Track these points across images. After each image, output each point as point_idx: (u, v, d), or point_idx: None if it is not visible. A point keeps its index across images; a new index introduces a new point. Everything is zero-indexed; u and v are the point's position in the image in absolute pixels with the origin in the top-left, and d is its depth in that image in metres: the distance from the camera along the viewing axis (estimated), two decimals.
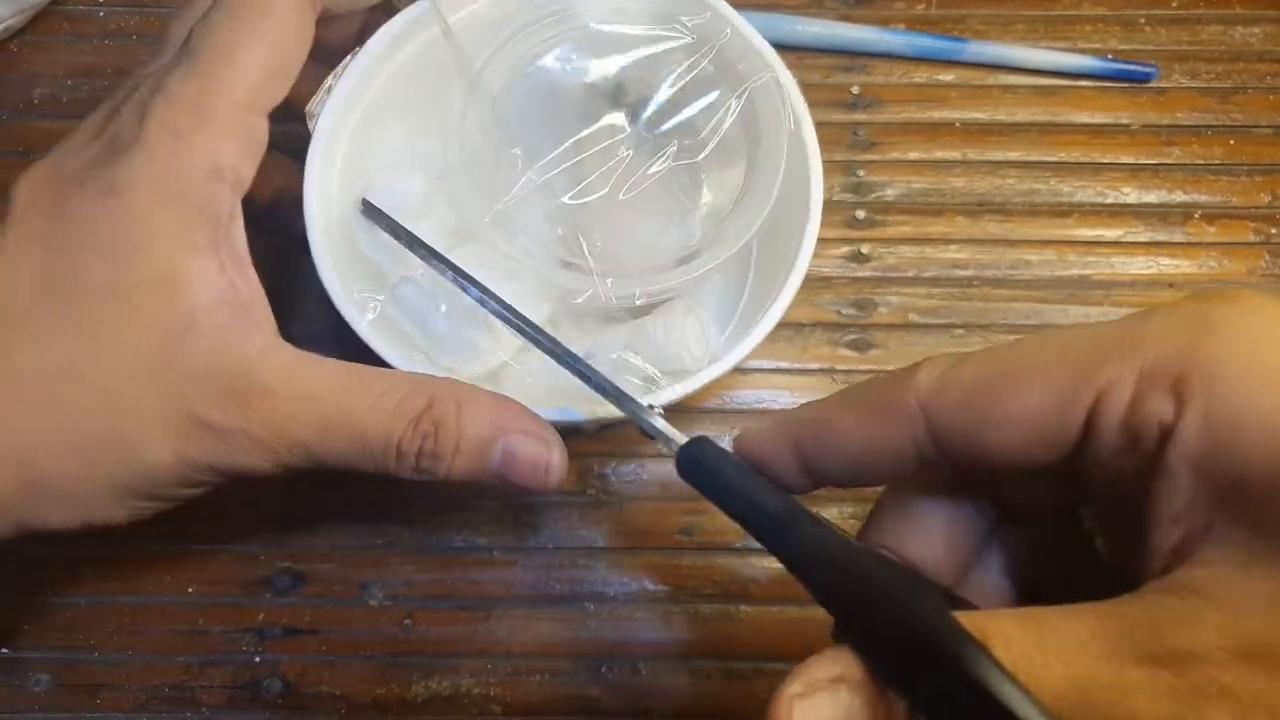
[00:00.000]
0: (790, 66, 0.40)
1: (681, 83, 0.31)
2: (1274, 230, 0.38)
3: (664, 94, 0.31)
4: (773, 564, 0.33)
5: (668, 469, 0.35)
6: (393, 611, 0.33)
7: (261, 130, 0.26)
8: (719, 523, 0.34)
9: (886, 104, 0.40)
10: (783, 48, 0.40)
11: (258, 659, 0.32)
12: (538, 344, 0.27)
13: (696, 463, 0.23)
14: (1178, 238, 0.38)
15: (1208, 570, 0.17)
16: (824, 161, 0.39)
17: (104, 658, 0.32)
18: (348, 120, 0.31)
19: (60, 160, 0.25)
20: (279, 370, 0.24)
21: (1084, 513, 0.23)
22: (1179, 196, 0.39)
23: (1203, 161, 0.39)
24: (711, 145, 0.31)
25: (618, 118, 0.31)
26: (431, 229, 0.30)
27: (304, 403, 0.24)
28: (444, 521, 0.34)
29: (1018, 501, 0.23)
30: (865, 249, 0.38)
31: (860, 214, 0.38)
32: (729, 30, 0.32)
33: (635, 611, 0.33)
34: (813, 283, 0.37)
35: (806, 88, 0.40)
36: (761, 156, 0.31)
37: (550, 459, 0.26)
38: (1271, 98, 0.40)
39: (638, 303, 0.29)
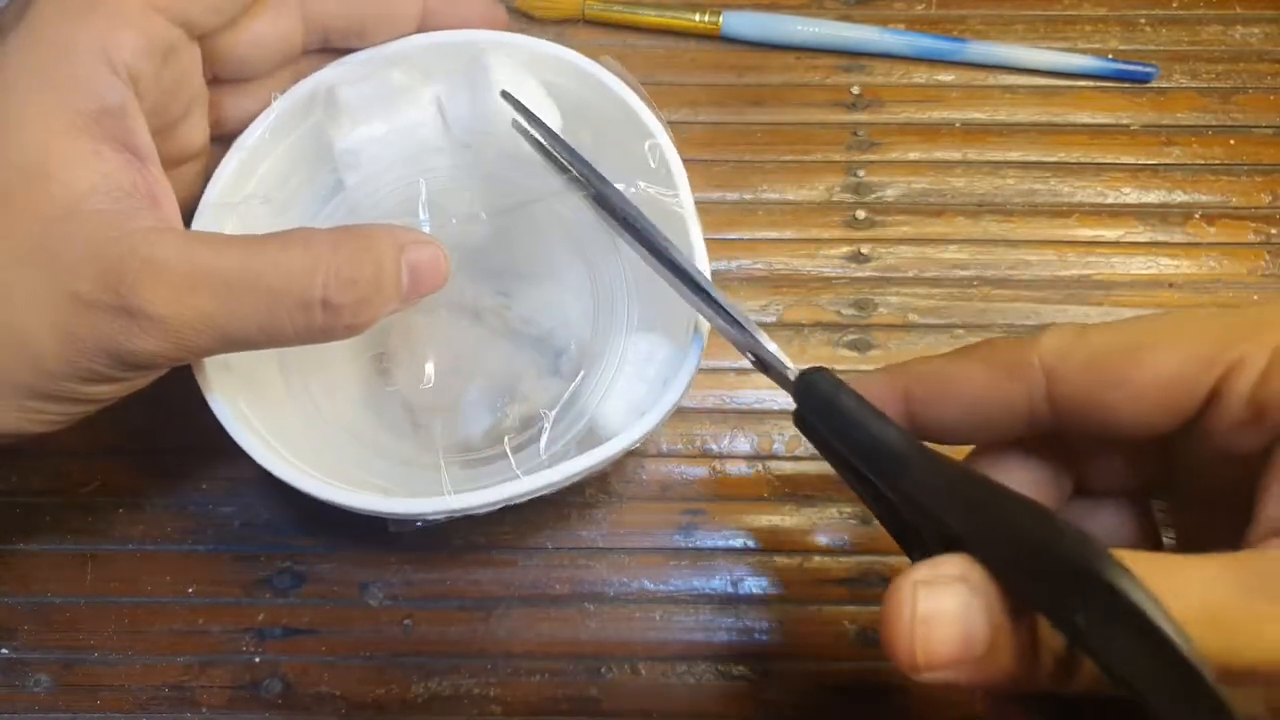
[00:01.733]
0: (790, 67, 0.41)
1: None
2: (1274, 230, 0.38)
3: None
4: (774, 565, 0.33)
5: (668, 469, 0.35)
6: (393, 611, 0.33)
7: (170, 38, 0.24)
8: (718, 522, 0.34)
9: (886, 104, 0.40)
10: (783, 48, 0.41)
11: (258, 659, 0.32)
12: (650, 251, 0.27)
13: (814, 391, 0.23)
14: (1178, 238, 0.38)
15: None
16: (824, 162, 0.39)
17: (104, 658, 0.32)
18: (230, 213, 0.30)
19: None
20: (171, 246, 0.22)
21: (1156, 505, 0.24)
22: (1179, 196, 0.39)
23: (1203, 161, 0.39)
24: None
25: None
26: None
27: (203, 272, 0.22)
28: (444, 522, 0.34)
29: (1096, 479, 0.24)
30: (865, 249, 0.38)
31: (860, 214, 0.38)
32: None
33: (635, 611, 0.33)
34: (813, 283, 0.37)
35: (806, 88, 0.40)
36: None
37: (439, 251, 0.26)
38: (1271, 98, 0.40)
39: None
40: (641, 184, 0.28)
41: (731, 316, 0.25)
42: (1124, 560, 0.17)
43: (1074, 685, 0.18)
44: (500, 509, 0.27)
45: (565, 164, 0.28)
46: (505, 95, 0.29)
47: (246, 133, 0.30)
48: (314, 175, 0.32)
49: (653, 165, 0.29)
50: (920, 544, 0.22)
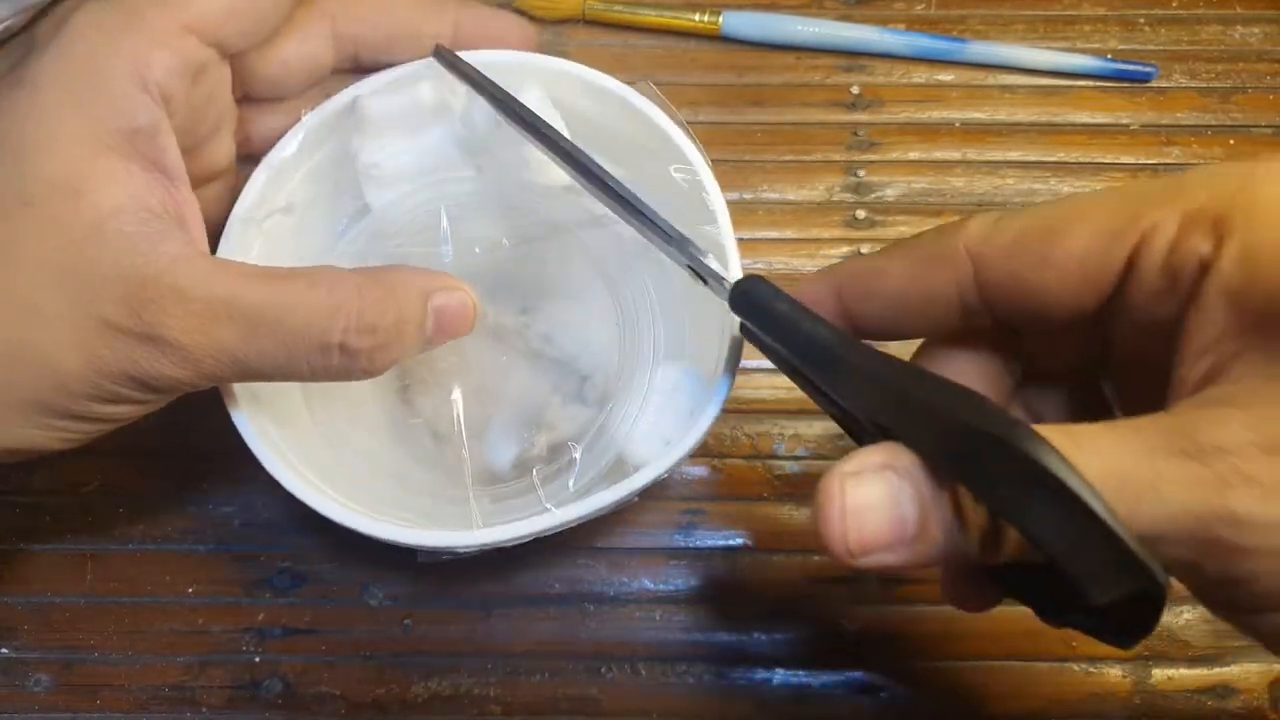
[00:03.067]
0: (790, 67, 0.41)
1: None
2: None
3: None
4: (773, 564, 0.33)
5: None
6: (393, 611, 0.33)
7: (202, 58, 0.24)
8: (718, 522, 0.34)
9: (886, 104, 0.40)
10: (783, 48, 0.41)
11: (258, 659, 0.32)
12: (589, 178, 0.27)
13: (748, 297, 0.24)
14: None
15: (1236, 385, 0.18)
16: (824, 162, 0.39)
17: (104, 658, 0.32)
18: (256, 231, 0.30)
19: None
20: (196, 274, 0.23)
21: (1104, 385, 0.24)
22: None
23: (1203, 161, 0.39)
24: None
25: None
26: None
27: (225, 304, 0.23)
28: None
29: (1043, 363, 0.24)
30: (865, 249, 0.38)
31: (860, 214, 0.38)
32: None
33: (635, 611, 0.33)
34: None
35: (806, 88, 0.40)
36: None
37: (467, 298, 0.26)
38: (1271, 98, 0.40)
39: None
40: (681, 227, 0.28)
41: (664, 230, 0.26)
42: (1041, 432, 0.17)
43: (1001, 556, 0.19)
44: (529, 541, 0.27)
45: (496, 98, 0.28)
46: (438, 53, 0.29)
47: (275, 150, 0.30)
48: (339, 194, 0.32)
49: (687, 188, 0.29)
50: (867, 437, 0.22)
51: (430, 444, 0.31)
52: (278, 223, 0.30)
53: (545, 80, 0.30)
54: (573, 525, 0.27)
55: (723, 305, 0.25)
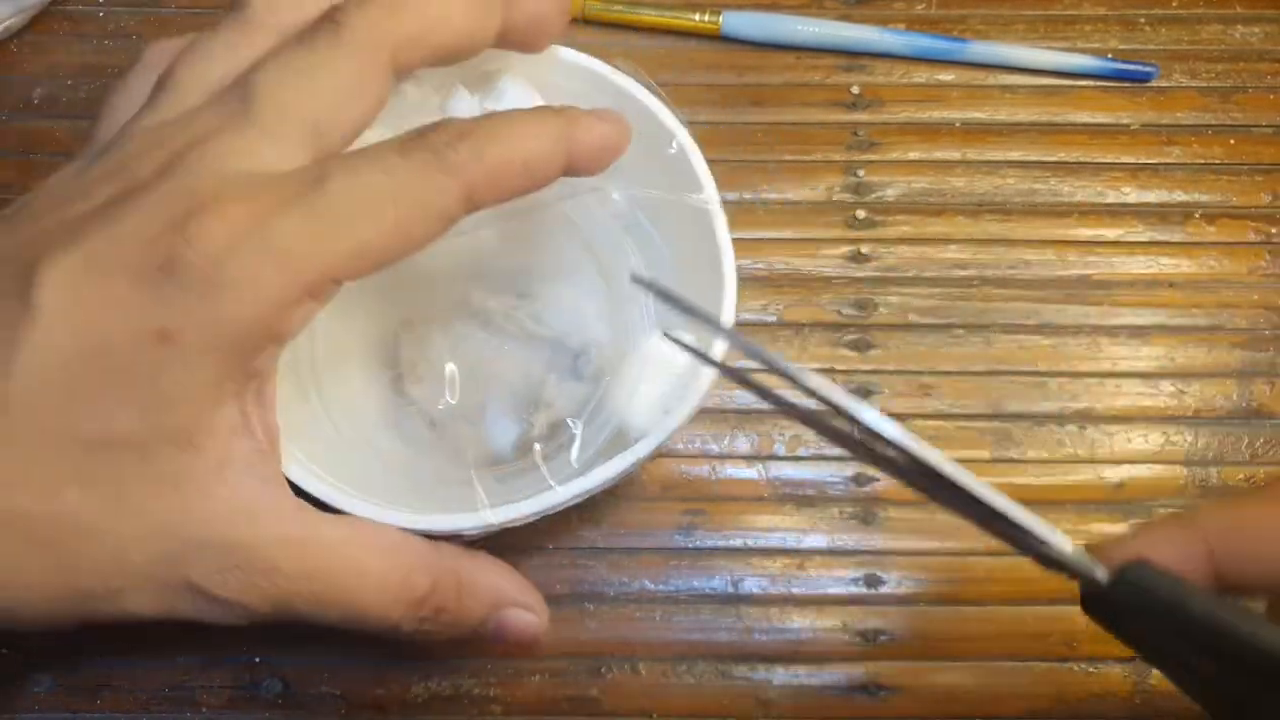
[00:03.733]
0: (790, 67, 0.41)
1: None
2: (1274, 230, 0.38)
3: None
4: (773, 564, 0.33)
5: (668, 469, 0.35)
6: None
7: (334, 294, 0.23)
8: (718, 522, 0.34)
9: (886, 104, 0.40)
10: (783, 48, 0.41)
11: (258, 659, 0.32)
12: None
13: (1137, 595, 0.19)
14: (1178, 237, 0.38)
15: None
16: (824, 161, 0.39)
17: (104, 658, 0.32)
18: None
19: (99, 252, 0.21)
20: (288, 548, 0.23)
21: None
22: (1179, 196, 0.39)
23: (1203, 161, 0.39)
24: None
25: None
26: None
27: (305, 580, 0.23)
28: None
29: None
30: (865, 249, 0.38)
31: (860, 214, 0.38)
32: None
33: (635, 611, 0.33)
34: (813, 283, 0.37)
35: (806, 88, 0.40)
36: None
37: (538, 631, 0.27)
38: (1272, 97, 0.40)
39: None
40: (655, 192, 0.28)
41: (1000, 513, 0.21)
42: None
43: None
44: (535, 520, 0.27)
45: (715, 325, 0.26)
46: (635, 278, 0.27)
47: None
48: None
49: (673, 158, 0.29)
50: None
51: (427, 431, 0.31)
52: None
53: (521, 62, 0.30)
54: (579, 500, 0.27)
55: (711, 269, 0.25)
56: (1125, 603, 0.20)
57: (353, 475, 0.28)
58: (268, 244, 0.21)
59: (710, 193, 0.29)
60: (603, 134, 0.25)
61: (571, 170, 0.25)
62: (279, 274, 0.21)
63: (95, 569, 0.22)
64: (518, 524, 0.27)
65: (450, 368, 0.30)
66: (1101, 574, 0.20)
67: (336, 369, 0.31)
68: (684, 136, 0.29)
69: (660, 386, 0.28)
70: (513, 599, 0.26)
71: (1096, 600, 0.20)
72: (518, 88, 0.30)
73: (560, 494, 0.26)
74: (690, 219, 0.28)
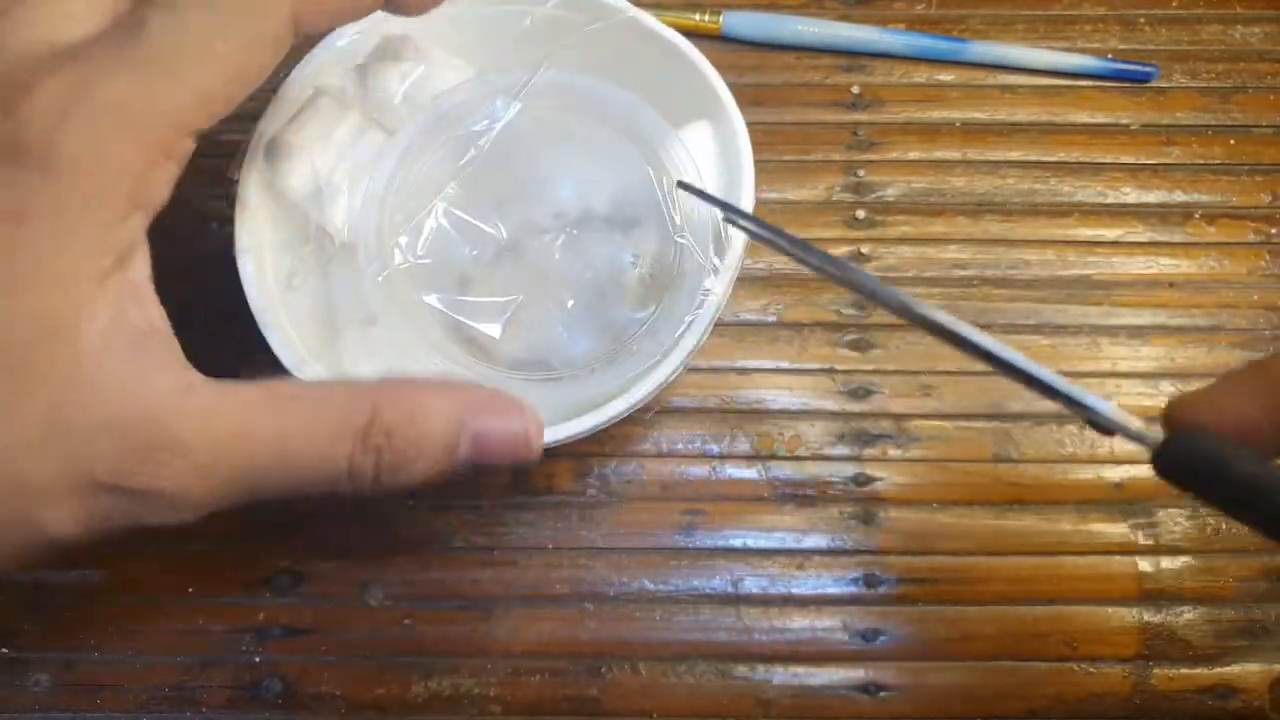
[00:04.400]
0: (790, 67, 0.41)
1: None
2: (1274, 230, 0.38)
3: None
4: (773, 564, 0.33)
5: (668, 469, 0.35)
6: (393, 611, 0.33)
7: (190, 150, 0.22)
8: (718, 522, 0.34)
9: (886, 104, 0.40)
10: (783, 48, 0.41)
11: (258, 659, 0.32)
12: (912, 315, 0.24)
13: (1189, 459, 0.20)
14: (1178, 237, 0.38)
15: None
16: (824, 161, 0.39)
17: (104, 658, 0.32)
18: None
19: None
20: (192, 417, 0.21)
21: None
22: (1179, 196, 0.39)
23: (1203, 161, 0.39)
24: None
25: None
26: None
27: (224, 448, 0.21)
28: (444, 521, 0.34)
29: None
30: (865, 249, 0.38)
31: (860, 214, 0.38)
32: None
33: (635, 611, 0.33)
34: (813, 282, 0.37)
35: (806, 88, 0.40)
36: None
37: (527, 430, 0.23)
38: (1271, 97, 0.40)
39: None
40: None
41: (1059, 383, 0.22)
42: None
43: None
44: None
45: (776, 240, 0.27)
46: (681, 184, 0.29)
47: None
48: (291, 242, 0.31)
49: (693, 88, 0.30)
50: None
51: (492, 337, 0.30)
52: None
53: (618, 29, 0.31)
54: (625, 414, 0.27)
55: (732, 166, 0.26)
56: (1176, 469, 0.20)
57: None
58: (101, 109, 0.20)
59: (737, 124, 0.31)
60: None
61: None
62: (120, 137, 0.20)
63: None
64: (575, 438, 0.27)
65: (511, 286, 0.30)
66: (1152, 438, 0.20)
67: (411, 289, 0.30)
68: (707, 68, 0.31)
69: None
70: (484, 405, 0.23)
71: (1157, 462, 0.21)
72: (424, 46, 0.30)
73: (612, 409, 0.27)
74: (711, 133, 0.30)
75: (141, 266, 0.22)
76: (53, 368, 0.20)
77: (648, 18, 0.31)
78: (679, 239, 0.30)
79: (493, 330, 0.30)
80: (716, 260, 0.29)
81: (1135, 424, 0.21)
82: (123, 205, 0.21)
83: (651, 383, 0.28)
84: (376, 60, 0.30)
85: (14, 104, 0.20)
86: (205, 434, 0.21)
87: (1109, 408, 0.21)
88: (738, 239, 0.29)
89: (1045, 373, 0.22)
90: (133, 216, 0.21)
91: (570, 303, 0.31)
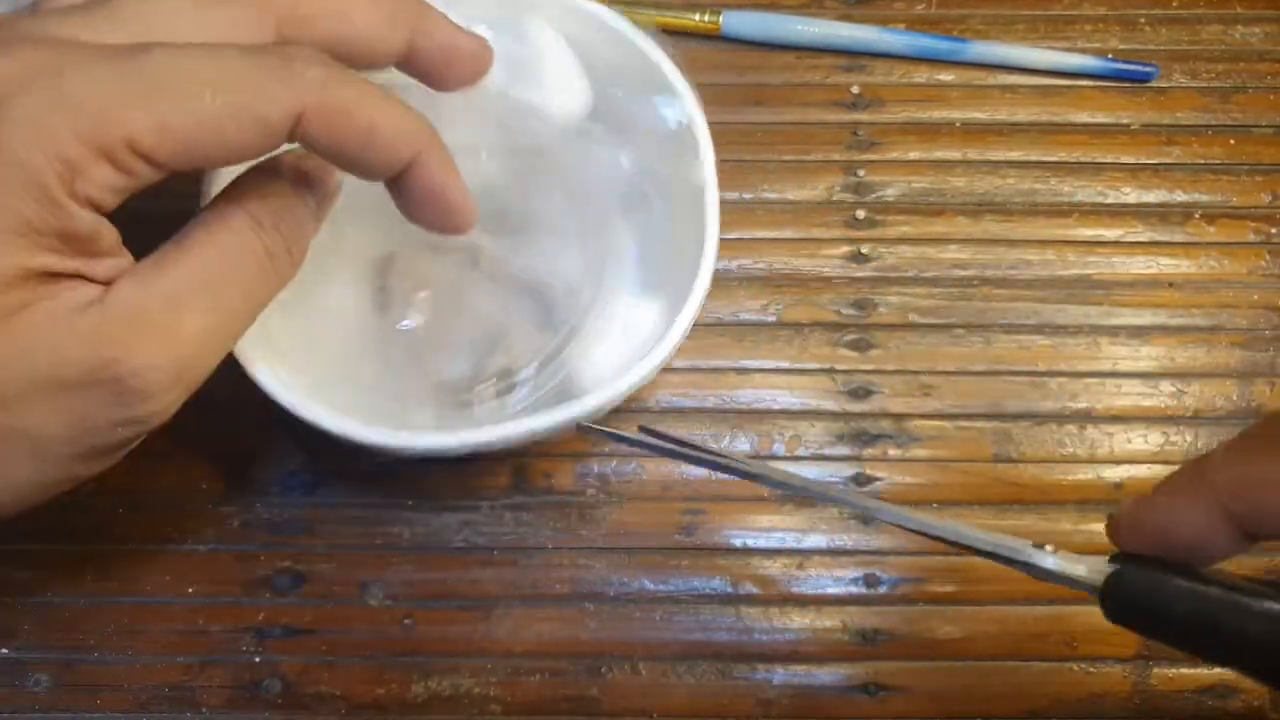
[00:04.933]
0: (790, 67, 0.41)
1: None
2: (1274, 230, 0.38)
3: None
4: (773, 564, 0.33)
5: (668, 469, 0.35)
6: (393, 611, 0.33)
7: (145, 174, 0.21)
8: (719, 522, 0.34)
9: (886, 104, 0.40)
10: (783, 47, 0.41)
11: (258, 659, 0.32)
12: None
13: (1134, 602, 0.20)
14: (1178, 237, 0.38)
15: None
16: (824, 161, 0.39)
17: (104, 658, 0.32)
18: None
19: None
20: (130, 299, 0.22)
21: None
22: (1179, 196, 0.39)
23: (1203, 161, 0.39)
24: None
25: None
26: None
27: (169, 307, 0.22)
28: (444, 521, 0.34)
29: None
30: (865, 249, 0.38)
31: (860, 214, 0.38)
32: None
33: (635, 611, 0.33)
34: (812, 282, 0.37)
35: (806, 88, 0.40)
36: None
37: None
38: (1272, 97, 0.40)
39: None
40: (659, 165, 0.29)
41: (987, 540, 0.22)
42: None
43: None
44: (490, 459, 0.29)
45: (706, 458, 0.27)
46: (582, 427, 0.28)
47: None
48: None
49: (674, 127, 0.30)
50: None
51: (395, 350, 0.31)
52: None
53: (553, 16, 0.30)
54: (504, 445, 0.27)
55: (697, 239, 0.25)
56: (1121, 610, 0.20)
57: (320, 384, 0.29)
58: (59, 90, 0.20)
59: (708, 170, 0.29)
60: (453, 184, 0.25)
61: (402, 183, 0.24)
62: (68, 122, 0.20)
63: None
64: (447, 454, 0.27)
65: (423, 294, 0.30)
66: (1093, 580, 0.20)
67: (326, 282, 0.31)
68: (692, 108, 0.30)
69: (621, 350, 0.28)
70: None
71: (1105, 610, 0.20)
72: (545, 33, 0.30)
73: (486, 434, 0.27)
74: (689, 196, 0.29)
75: (109, 266, 0.22)
76: (6, 311, 0.21)
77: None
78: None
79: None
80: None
81: (1079, 570, 0.21)
82: (61, 191, 0.20)
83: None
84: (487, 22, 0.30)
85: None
86: (148, 302, 0.22)
87: (1052, 561, 0.21)
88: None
89: (982, 538, 0.22)
90: (73, 207, 0.21)
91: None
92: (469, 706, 0.32)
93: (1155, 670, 0.32)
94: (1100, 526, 0.34)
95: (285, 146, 0.23)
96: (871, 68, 0.40)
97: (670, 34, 0.41)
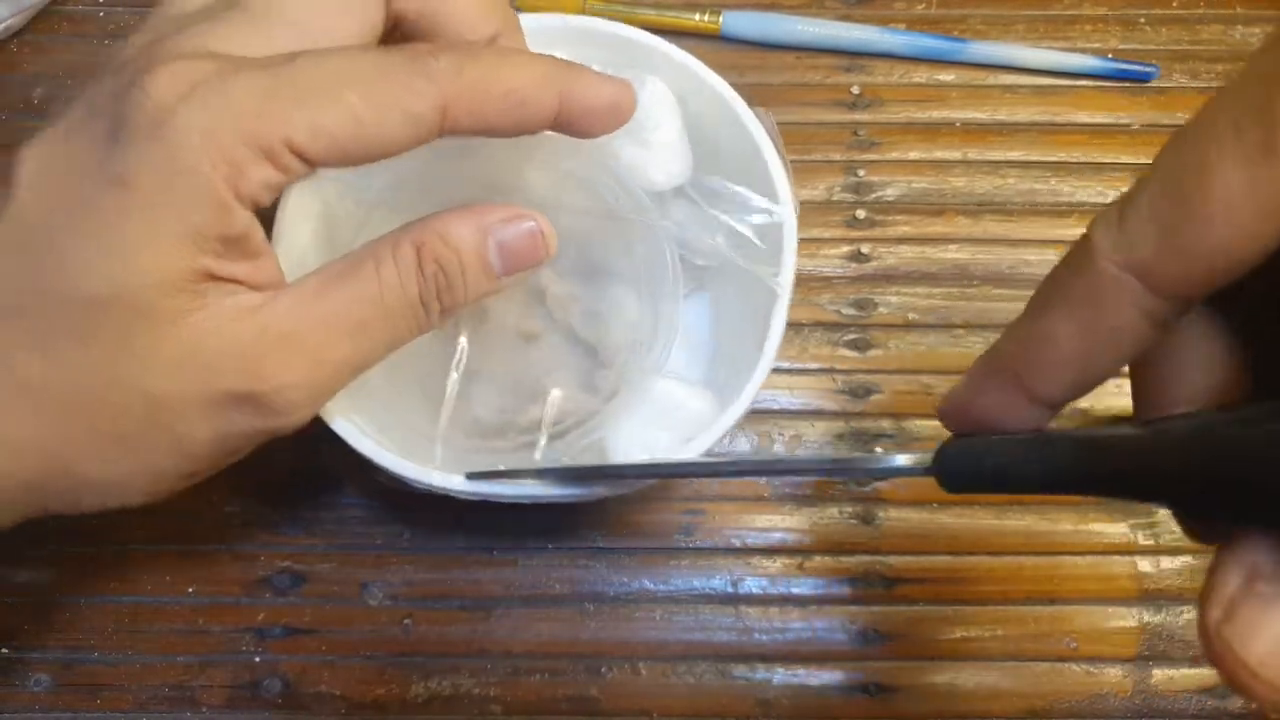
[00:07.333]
0: (790, 67, 0.41)
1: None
2: None
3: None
4: (773, 564, 0.33)
5: None
6: (393, 611, 0.33)
7: (298, 169, 0.22)
8: (718, 522, 0.34)
9: (886, 104, 0.40)
10: (783, 47, 0.41)
11: (258, 659, 0.32)
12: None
13: (960, 474, 0.22)
14: None
15: None
16: (824, 161, 0.39)
17: (104, 658, 0.32)
18: None
19: (69, 131, 0.22)
20: (285, 319, 0.23)
21: None
22: None
23: None
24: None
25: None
26: None
27: (317, 334, 0.23)
28: (444, 521, 0.34)
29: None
30: (865, 249, 0.38)
31: (860, 214, 0.38)
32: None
33: (635, 611, 0.33)
34: (812, 282, 0.37)
35: (806, 88, 0.40)
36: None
37: (541, 228, 0.25)
38: None
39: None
40: (741, 262, 0.29)
41: (837, 461, 0.24)
42: None
43: None
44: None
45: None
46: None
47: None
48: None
49: (763, 223, 0.29)
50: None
51: (438, 374, 0.31)
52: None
53: (668, 74, 0.30)
54: (505, 500, 0.28)
55: (757, 342, 0.27)
56: (951, 480, 0.22)
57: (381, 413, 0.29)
58: (221, 97, 0.21)
59: (786, 281, 0.29)
60: (604, 94, 0.25)
61: (564, 122, 0.25)
62: (230, 126, 0.21)
63: (128, 408, 0.22)
64: (457, 494, 0.28)
65: (482, 325, 0.30)
66: (924, 462, 0.22)
67: None
68: (788, 214, 0.30)
69: (655, 432, 0.29)
70: (494, 216, 0.25)
71: (941, 483, 0.22)
72: (661, 94, 0.30)
73: (476, 487, 0.27)
74: (760, 296, 0.29)
75: (265, 267, 0.23)
76: (169, 318, 0.22)
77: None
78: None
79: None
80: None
81: (903, 460, 0.23)
82: (225, 194, 0.22)
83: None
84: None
85: (143, 76, 0.21)
86: (299, 327, 0.23)
87: (897, 459, 0.23)
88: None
89: (824, 460, 0.25)
90: (236, 209, 0.22)
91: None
92: (469, 706, 0.32)
93: (1155, 670, 0.32)
94: (1100, 526, 0.34)
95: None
96: (871, 68, 0.40)
97: (670, 34, 0.41)
